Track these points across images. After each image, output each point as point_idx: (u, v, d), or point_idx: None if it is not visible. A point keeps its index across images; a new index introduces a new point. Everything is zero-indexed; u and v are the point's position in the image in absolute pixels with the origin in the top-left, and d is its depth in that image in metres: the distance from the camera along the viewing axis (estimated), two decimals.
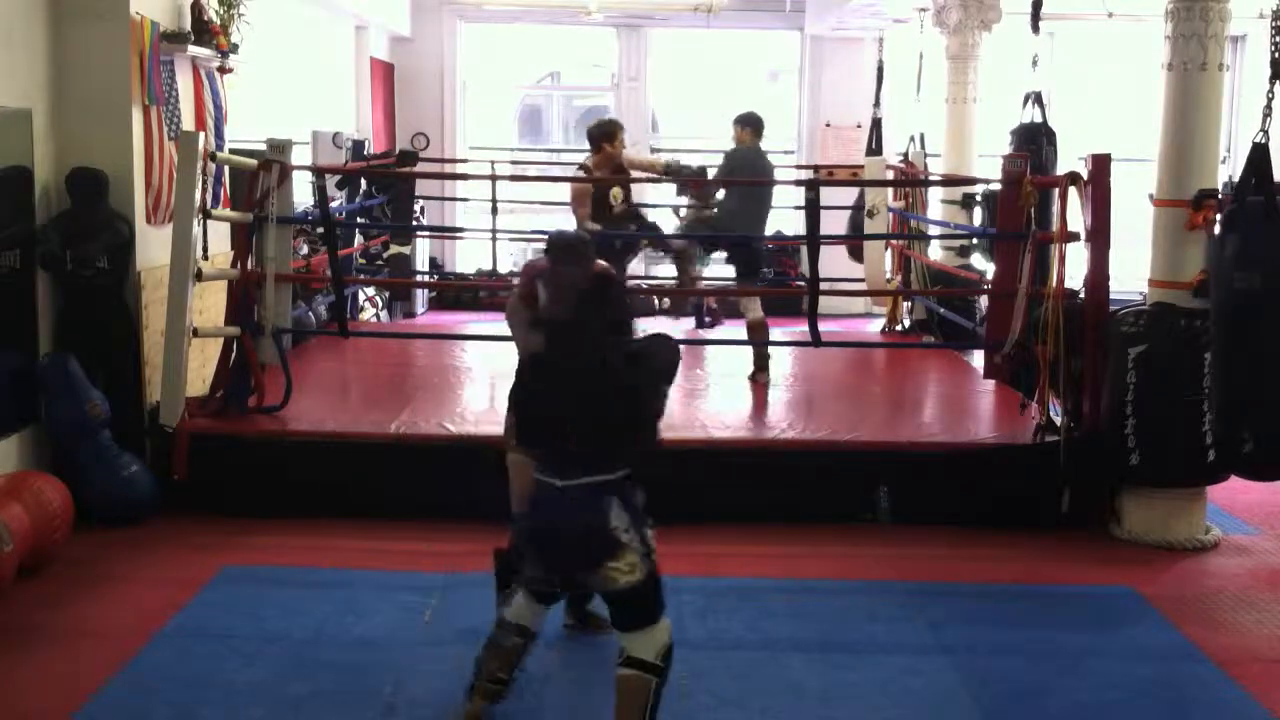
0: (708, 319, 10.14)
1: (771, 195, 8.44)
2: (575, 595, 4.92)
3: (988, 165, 10.00)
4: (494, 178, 9.65)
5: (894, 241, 10.59)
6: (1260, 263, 5.45)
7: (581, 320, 3.99)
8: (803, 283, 7.73)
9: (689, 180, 8.39)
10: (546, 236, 4.89)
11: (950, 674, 4.83)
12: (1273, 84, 5.47)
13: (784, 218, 12.26)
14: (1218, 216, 5.99)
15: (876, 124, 11.64)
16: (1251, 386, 5.54)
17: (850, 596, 5.61)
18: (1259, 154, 5.45)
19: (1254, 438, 5.54)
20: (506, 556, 4.72)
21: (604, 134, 7.93)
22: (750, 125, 8.26)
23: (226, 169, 7.52)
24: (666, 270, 11.20)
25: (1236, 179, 5.68)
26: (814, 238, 7.20)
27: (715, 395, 8.02)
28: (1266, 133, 5.45)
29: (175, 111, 7.05)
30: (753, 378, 8.16)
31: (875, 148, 11.48)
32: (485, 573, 5.61)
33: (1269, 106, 5.45)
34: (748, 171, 8.18)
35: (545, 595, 4.24)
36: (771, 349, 8.31)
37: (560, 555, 3.95)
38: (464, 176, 12.84)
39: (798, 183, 8.05)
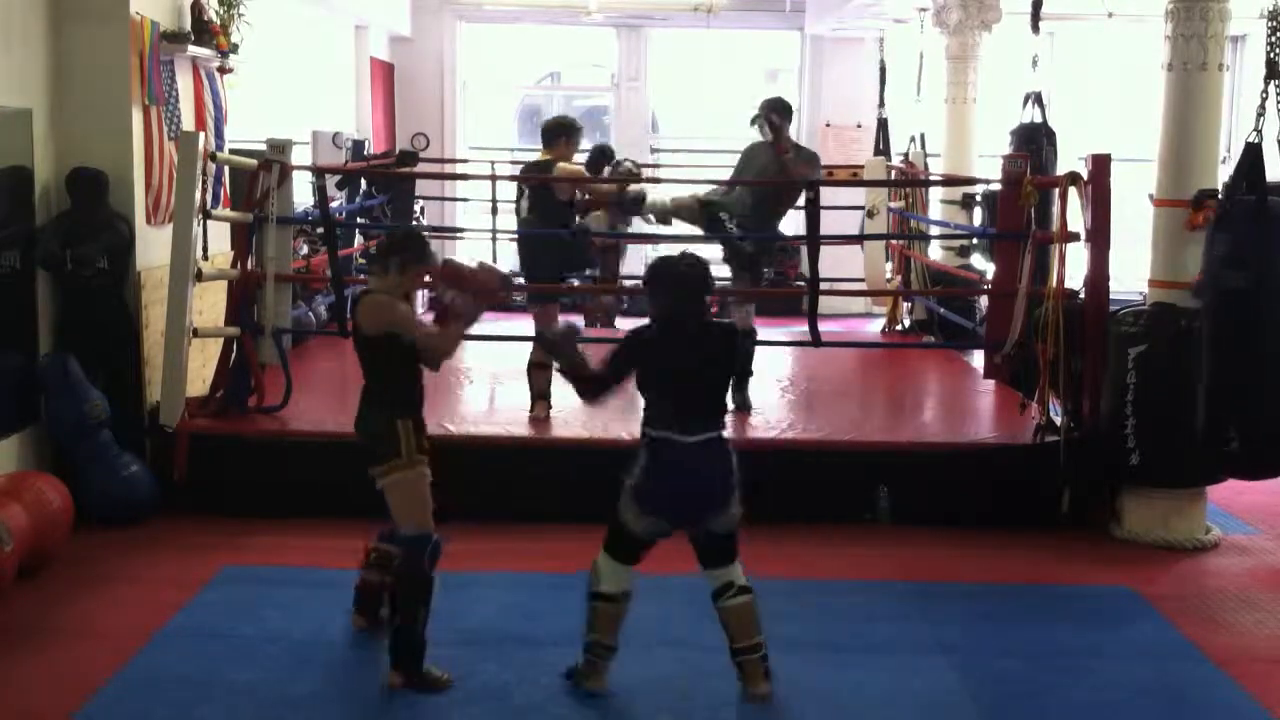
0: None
1: (776, 194, 7.60)
2: (369, 599, 5.03)
3: (988, 165, 10.00)
4: (494, 178, 9.63)
5: (894, 241, 10.60)
6: (1251, 263, 5.46)
7: (691, 286, 4.44)
8: (803, 283, 7.68)
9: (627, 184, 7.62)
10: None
11: (950, 674, 4.83)
12: (1268, 84, 5.48)
13: (785, 218, 12.19)
14: None
15: (883, 124, 11.61)
16: (1240, 386, 5.55)
17: (850, 596, 5.60)
18: (1251, 154, 5.45)
19: (1240, 437, 5.56)
20: (405, 584, 4.61)
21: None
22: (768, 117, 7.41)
23: (226, 169, 7.52)
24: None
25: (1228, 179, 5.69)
26: (814, 238, 7.19)
27: None
28: (1260, 132, 5.45)
29: (175, 111, 7.05)
30: None
31: (884, 148, 11.46)
32: (485, 573, 5.63)
33: (1263, 106, 5.46)
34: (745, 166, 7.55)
35: (634, 556, 4.47)
36: (771, 349, 8.24)
37: (693, 503, 4.37)
38: (464, 176, 12.83)
39: (798, 183, 7.98)
